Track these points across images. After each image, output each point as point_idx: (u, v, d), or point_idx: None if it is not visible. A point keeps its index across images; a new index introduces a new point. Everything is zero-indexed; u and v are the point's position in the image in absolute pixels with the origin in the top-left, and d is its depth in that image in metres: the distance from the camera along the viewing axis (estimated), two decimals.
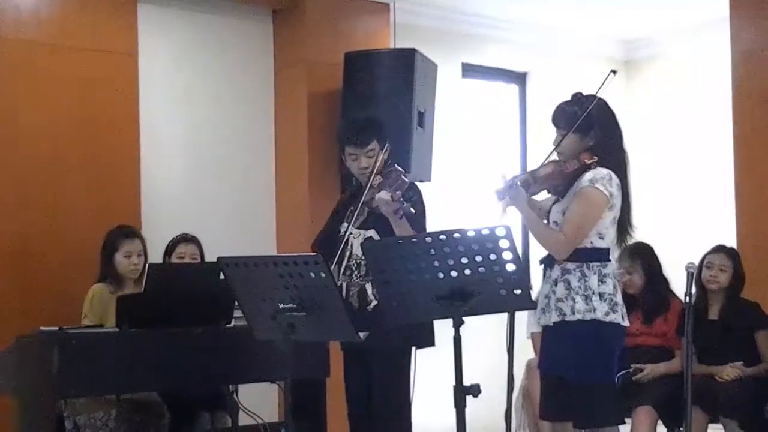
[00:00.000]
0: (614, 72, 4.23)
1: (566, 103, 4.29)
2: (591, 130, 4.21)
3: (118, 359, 4.53)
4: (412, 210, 4.27)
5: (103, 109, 6.10)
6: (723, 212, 6.84)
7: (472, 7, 7.58)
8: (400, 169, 4.47)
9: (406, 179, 4.39)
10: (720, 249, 5.66)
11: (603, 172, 4.15)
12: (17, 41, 5.84)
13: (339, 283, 4.45)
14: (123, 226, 5.51)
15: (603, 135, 4.23)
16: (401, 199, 4.25)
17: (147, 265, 4.92)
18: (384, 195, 4.31)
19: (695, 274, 5.54)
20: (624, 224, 4.26)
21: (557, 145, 4.26)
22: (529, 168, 4.38)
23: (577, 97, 4.29)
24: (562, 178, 4.21)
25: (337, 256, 4.43)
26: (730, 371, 5.46)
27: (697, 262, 4.71)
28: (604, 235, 4.17)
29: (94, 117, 6.07)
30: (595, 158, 4.18)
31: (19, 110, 5.83)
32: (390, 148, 4.58)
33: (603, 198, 4.13)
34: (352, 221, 4.51)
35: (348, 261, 4.51)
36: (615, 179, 4.17)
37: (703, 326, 5.52)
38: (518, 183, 4.18)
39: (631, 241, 4.38)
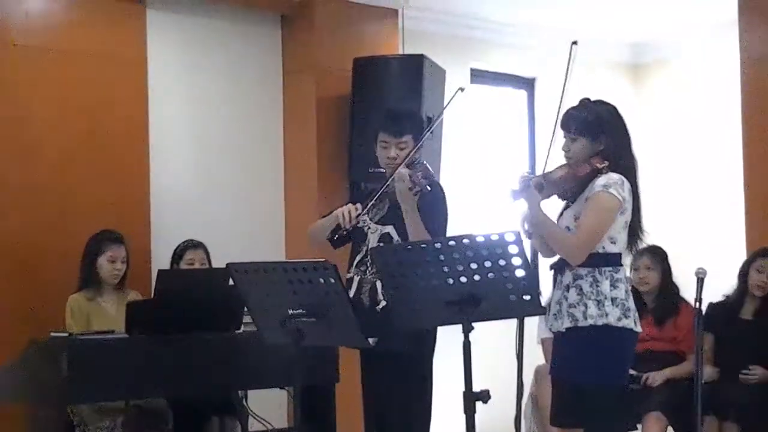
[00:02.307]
0: (575, 43, 4.28)
1: (575, 108, 4.28)
2: (601, 135, 4.21)
3: (128, 365, 4.55)
4: (429, 188, 4.24)
5: (112, 115, 6.11)
6: (732, 217, 6.83)
7: (481, 13, 7.58)
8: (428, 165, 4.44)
9: (430, 170, 4.35)
10: None
11: (615, 177, 4.15)
12: (27, 48, 5.85)
13: (351, 276, 4.43)
14: (108, 230, 5.52)
15: (613, 139, 4.23)
16: (419, 174, 4.21)
17: (157, 271, 4.92)
18: (403, 170, 4.27)
19: (739, 273, 5.59)
20: (635, 229, 4.25)
21: (568, 149, 4.26)
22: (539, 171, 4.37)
23: (585, 103, 4.29)
24: (573, 182, 4.21)
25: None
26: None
27: (707, 266, 4.70)
28: (616, 239, 4.17)
29: (104, 123, 6.08)
30: (606, 163, 4.18)
31: (28, 117, 5.84)
32: (422, 147, 4.52)
33: (616, 203, 4.12)
34: (371, 215, 4.48)
35: (363, 256, 4.47)
36: (627, 184, 4.17)
37: (735, 324, 5.53)
38: (532, 185, 4.17)
39: (642, 245, 4.37)
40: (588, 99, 4.32)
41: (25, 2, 5.86)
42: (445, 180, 6.59)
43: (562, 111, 4.27)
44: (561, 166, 4.25)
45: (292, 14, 6.88)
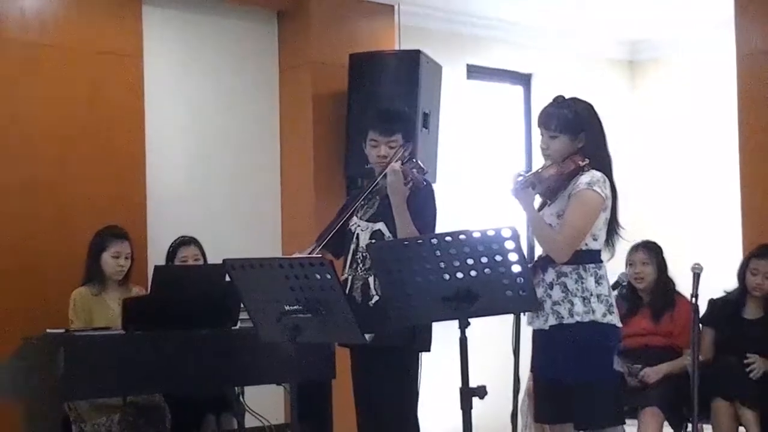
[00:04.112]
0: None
1: (552, 105, 4.30)
2: (581, 132, 4.23)
3: (124, 361, 4.54)
4: (424, 183, 4.25)
5: (108, 111, 6.10)
6: (728, 212, 6.84)
7: (477, 9, 7.58)
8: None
9: (423, 167, 4.37)
10: (767, 254, 5.64)
11: (598, 175, 4.18)
12: (22, 43, 5.84)
13: (345, 277, 4.45)
14: (112, 226, 5.51)
15: (592, 137, 4.25)
16: (414, 170, 4.22)
17: (153, 267, 4.92)
18: (395, 165, 4.29)
19: (738, 272, 5.60)
20: (613, 224, 4.27)
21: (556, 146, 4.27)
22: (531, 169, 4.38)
23: (561, 100, 4.31)
24: (559, 181, 4.22)
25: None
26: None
27: (703, 263, 4.71)
28: (597, 236, 4.20)
29: (100, 119, 6.07)
30: (588, 160, 4.19)
31: (24, 113, 5.83)
32: (411, 148, 4.55)
33: (600, 200, 4.15)
34: (361, 214, 4.51)
35: (354, 255, 4.49)
36: (608, 182, 4.20)
37: (738, 324, 5.57)
38: (527, 183, 4.19)
39: (618, 241, 4.37)
40: (562, 96, 4.33)
41: None
42: (441, 176, 6.62)
43: None
44: (551, 165, 4.27)
45: (288, 10, 6.87)
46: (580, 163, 4.18)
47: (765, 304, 5.65)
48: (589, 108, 4.30)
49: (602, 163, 4.24)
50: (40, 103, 5.88)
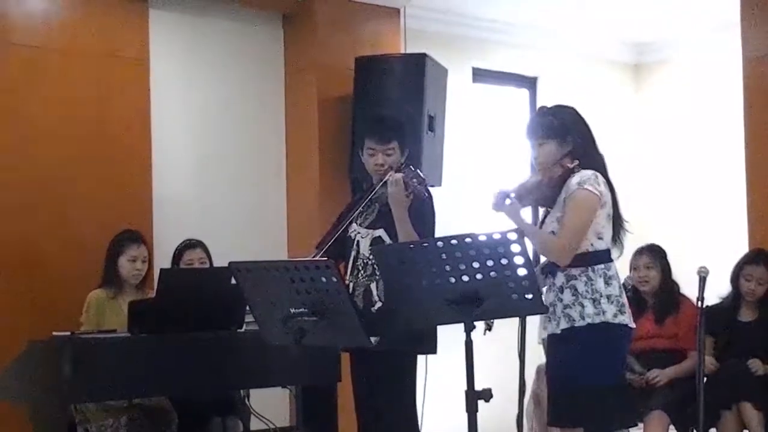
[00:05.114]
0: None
1: (537, 115, 4.37)
2: (568, 136, 4.25)
3: (130, 364, 4.55)
4: (426, 193, 4.27)
5: (114, 115, 6.11)
6: (734, 215, 6.83)
7: (483, 12, 7.58)
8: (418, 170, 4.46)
9: (423, 176, 4.37)
10: (759, 260, 5.65)
11: (588, 173, 4.18)
12: (29, 47, 5.85)
13: (346, 284, 4.45)
14: (130, 230, 5.53)
15: (580, 139, 4.26)
16: (414, 181, 4.23)
17: (159, 270, 4.92)
18: (397, 175, 4.30)
19: (731, 276, 5.62)
20: (616, 219, 4.27)
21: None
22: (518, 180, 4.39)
23: (544, 109, 4.35)
24: (550, 187, 4.23)
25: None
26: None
27: (709, 266, 4.71)
28: (602, 234, 4.19)
29: (106, 123, 6.08)
30: (577, 162, 4.21)
31: (30, 116, 5.84)
32: (408, 153, 4.58)
33: (594, 198, 4.16)
34: (360, 221, 4.52)
35: (355, 262, 4.50)
36: (601, 178, 4.21)
37: (735, 327, 5.60)
38: (512, 195, 4.20)
39: (625, 235, 4.37)
40: (545, 106, 4.41)
41: (27, 2, 5.87)
42: (447, 179, 6.63)
43: None
44: (535, 173, 4.29)
45: (293, 13, 6.88)
46: (569, 165, 4.20)
47: (759, 307, 5.67)
48: (572, 112, 4.33)
49: (594, 162, 4.25)
50: (46, 106, 5.89)
